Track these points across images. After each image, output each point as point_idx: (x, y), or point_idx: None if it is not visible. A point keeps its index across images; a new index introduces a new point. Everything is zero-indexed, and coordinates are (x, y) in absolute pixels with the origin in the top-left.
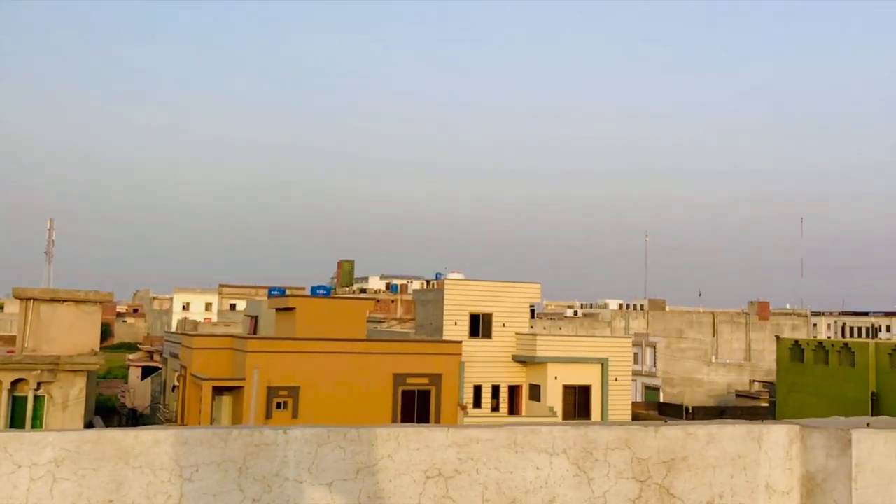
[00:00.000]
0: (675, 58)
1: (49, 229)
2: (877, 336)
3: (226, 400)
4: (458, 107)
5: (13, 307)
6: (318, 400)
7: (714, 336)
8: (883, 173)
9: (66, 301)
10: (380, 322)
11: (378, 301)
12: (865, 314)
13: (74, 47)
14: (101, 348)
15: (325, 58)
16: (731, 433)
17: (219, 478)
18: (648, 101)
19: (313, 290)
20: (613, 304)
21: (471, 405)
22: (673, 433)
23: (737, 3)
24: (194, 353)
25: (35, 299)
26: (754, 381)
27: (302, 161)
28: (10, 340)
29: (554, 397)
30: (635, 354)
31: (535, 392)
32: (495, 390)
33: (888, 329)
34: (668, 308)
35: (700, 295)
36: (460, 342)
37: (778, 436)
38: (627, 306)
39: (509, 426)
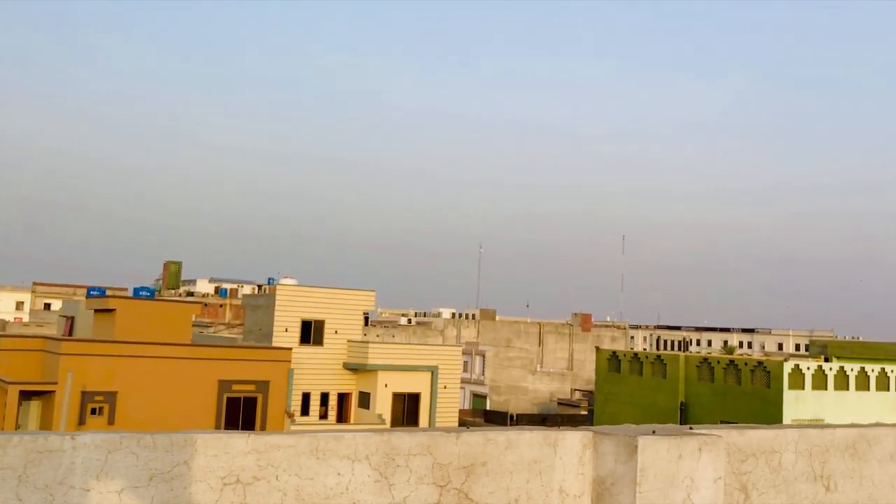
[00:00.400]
0: (505, 70)
1: None
2: (688, 349)
3: (34, 405)
4: (300, 109)
5: None
6: (136, 406)
7: (540, 346)
8: (695, 200)
9: None
10: (207, 327)
11: (206, 305)
12: (678, 328)
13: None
14: None
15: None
16: (529, 439)
17: None
18: (492, 110)
19: (136, 291)
20: (447, 313)
21: (298, 413)
22: (474, 439)
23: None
24: (0, 355)
25: None
26: (575, 389)
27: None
28: None
29: (383, 405)
30: (465, 363)
31: (365, 400)
32: (324, 398)
33: (698, 343)
34: (498, 318)
35: (528, 306)
36: (290, 349)
37: (572, 442)
38: (460, 315)
39: (313, 433)
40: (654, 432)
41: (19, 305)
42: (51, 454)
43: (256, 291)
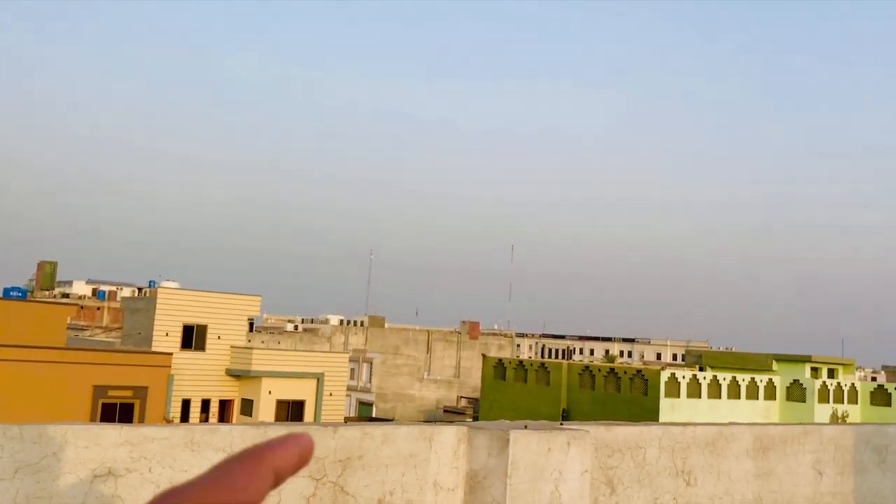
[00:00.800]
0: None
1: None
2: (571, 357)
3: None
4: (186, 110)
5: None
6: (4, 411)
7: (428, 353)
8: (582, 212)
9: None
10: (83, 330)
11: (82, 307)
12: (563, 337)
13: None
14: None
15: None
16: (406, 433)
17: None
18: (387, 116)
19: (6, 291)
20: (335, 320)
21: (178, 419)
22: (350, 433)
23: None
24: None
25: None
26: (462, 396)
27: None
28: None
29: (266, 412)
30: (352, 370)
31: (248, 407)
32: (205, 404)
33: (581, 352)
34: (387, 325)
35: (417, 314)
36: (170, 354)
37: (447, 436)
38: (348, 322)
39: (189, 425)
40: (525, 427)
41: None
42: None
43: (136, 294)
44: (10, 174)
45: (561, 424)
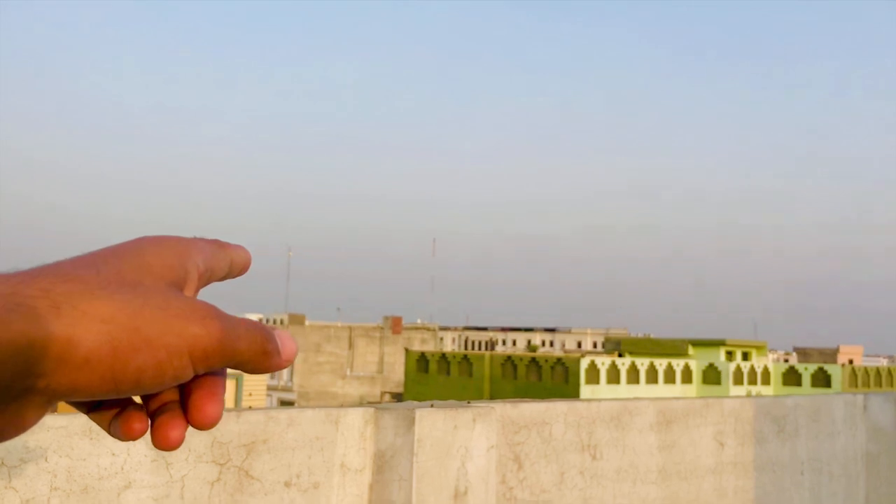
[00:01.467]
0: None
1: None
2: (494, 349)
3: None
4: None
5: None
6: None
7: (350, 350)
8: (500, 207)
9: None
10: None
11: None
12: (486, 329)
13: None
14: None
15: None
16: (311, 417)
17: None
18: (297, 116)
19: None
20: (254, 318)
21: None
22: (255, 417)
23: None
24: None
25: None
26: (385, 392)
27: None
28: None
29: None
30: None
31: None
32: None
33: (504, 343)
34: (307, 323)
35: (339, 310)
36: None
37: (354, 418)
38: (268, 320)
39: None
40: (432, 405)
41: None
42: None
43: None
44: None
45: (468, 403)
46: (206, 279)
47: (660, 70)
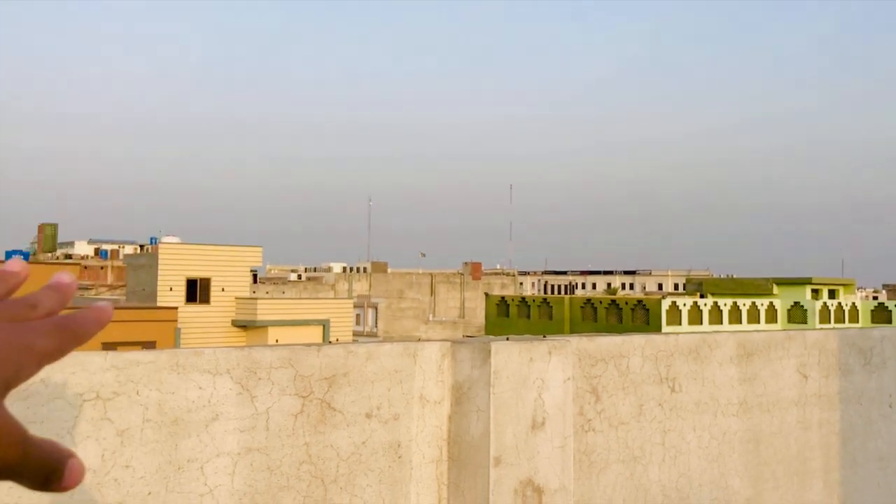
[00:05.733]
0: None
1: None
2: (573, 292)
3: None
4: (185, 68)
5: None
6: None
7: (432, 296)
8: (577, 152)
9: None
10: (87, 289)
11: (85, 267)
12: (565, 273)
13: None
14: None
15: None
16: (389, 350)
17: None
18: (383, 61)
19: (7, 254)
20: (338, 268)
21: None
22: (335, 352)
23: None
24: None
25: None
26: (466, 336)
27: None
28: None
29: None
30: (357, 315)
31: None
32: None
33: (583, 286)
34: (390, 270)
35: (423, 256)
36: (175, 308)
37: (431, 352)
38: (351, 269)
39: (172, 350)
40: (507, 339)
41: None
42: None
43: (138, 251)
44: (10, 139)
45: (544, 337)
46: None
47: (755, 13)
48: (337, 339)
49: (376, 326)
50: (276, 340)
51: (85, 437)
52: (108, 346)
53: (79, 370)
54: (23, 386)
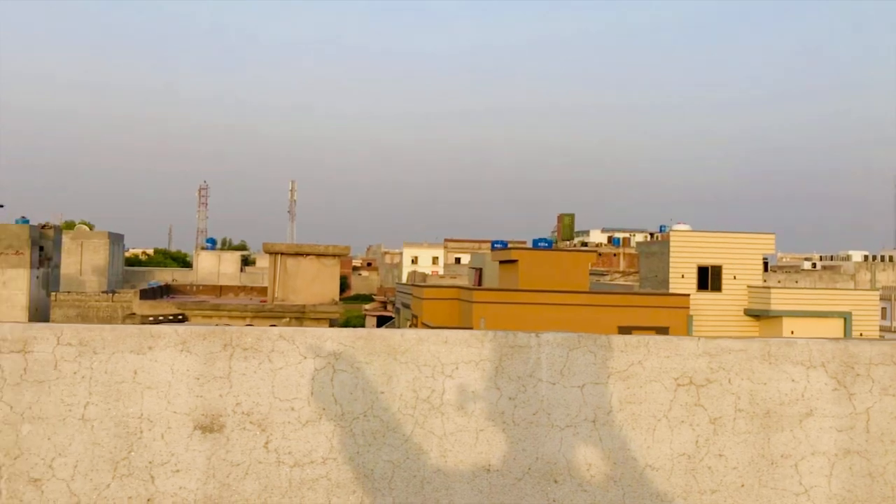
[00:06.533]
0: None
1: (291, 190)
2: None
3: None
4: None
5: (263, 262)
6: None
7: None
8: None
9: (308, 255)
10: (602, 275)
11: (600, 254)
12: None
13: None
14: (339, 299)
15: None
16: None
17: (476, 376)
18: None
19: (535, 242)
20: (857, 256)
21: None
22: None
23: None
24: (424, 304)
25: (282, 254)
26: None
27: (506, 119)
28: (262, 291)
29: None
30: (883, 309)
31: None
32: None
33: None
34: None
35: None
36: (687, 295)
37: None
38: (874, 258)
39: (762, 339)
40: None
41: (434, 260)
42: (520, 349)
43: (649, 239)
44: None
45: None
46: None
47: None
48: (861, 334)
49: None
50: (792, 332)
51: (679, 421)
52: (624, 330)
53: (673, 354)
54: (622, 367)
